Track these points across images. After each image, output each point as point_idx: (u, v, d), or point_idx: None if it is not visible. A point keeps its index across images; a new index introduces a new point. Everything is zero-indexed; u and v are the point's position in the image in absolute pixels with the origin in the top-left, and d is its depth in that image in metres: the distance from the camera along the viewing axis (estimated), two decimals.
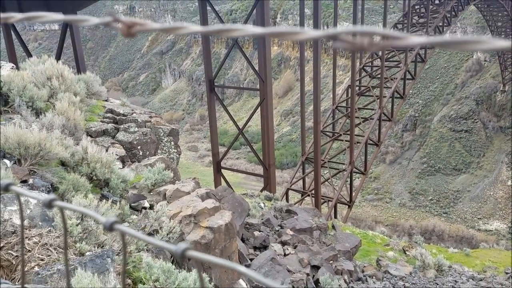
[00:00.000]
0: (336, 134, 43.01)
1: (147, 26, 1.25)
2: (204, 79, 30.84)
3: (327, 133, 43.22)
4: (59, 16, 1.27)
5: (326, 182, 41.84)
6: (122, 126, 13.50)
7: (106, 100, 15.46)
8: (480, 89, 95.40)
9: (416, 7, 53.98)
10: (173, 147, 14.85)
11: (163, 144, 14.56)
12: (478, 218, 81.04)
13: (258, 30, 1.14)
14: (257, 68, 27.93)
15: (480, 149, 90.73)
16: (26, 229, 5.77)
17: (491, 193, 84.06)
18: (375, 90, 45.61)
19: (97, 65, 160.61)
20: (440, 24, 53.20)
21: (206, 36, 30.98)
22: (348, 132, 39.44)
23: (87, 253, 5.76)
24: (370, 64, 48.57)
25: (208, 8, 29.01)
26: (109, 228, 1.17)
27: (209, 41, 30.93)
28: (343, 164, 43.43)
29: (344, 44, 1.05)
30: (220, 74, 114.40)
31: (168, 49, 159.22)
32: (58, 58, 19.92)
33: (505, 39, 0.95)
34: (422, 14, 53.51)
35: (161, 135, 14.53)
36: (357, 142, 41.71)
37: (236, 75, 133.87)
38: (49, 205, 1.23)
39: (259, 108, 27.82)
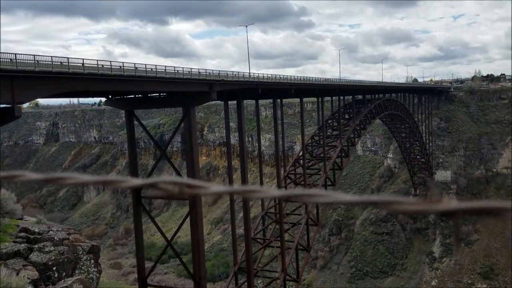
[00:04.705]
0: (267, 240, 43.18)
1: None
2: (130, 191, 30.53)
3: (258, 240, 43.26)
4: None
5: None
6: (36, 246, 12.80)
7: (20, 219, 14.87)
8: (394, 194, 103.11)
9: (329, 121, 59.89)
10: (93, 265, 14.14)
11: (81, 263, 13.82)
12: None
13: (37, 176, 1.46)
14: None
15: (402, 251, 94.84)
16: None
17: None
18: None
19: (13, 181, 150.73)
20: (352, 135, 59.04)
21: (132, 148, 31.46)
22: (279, 238, 39.87)
23: None
24: (294, 172, 51.37)
25: (136, 122, 30.03)
26: None
27: (135, 153, 31.37)
28: (276, 272, 42.96)
29: (160, 192, 1.35)
30: None
31: (92, 162, 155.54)
32: None
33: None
34: (335, 127, 59.27)
35: (80, 253, 13.87)
36: (288, 248, 42.03)
37: None
38: None
39: (188, 217, 27.73)
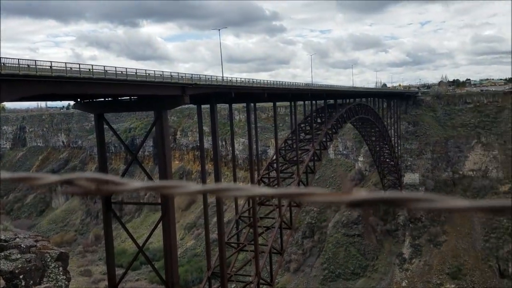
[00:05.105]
0: (241, 244, 43.07)
1: None
2: (100, 196, 29.87)
3: (232, 244, 43.10)
4: None
5: None
6: (2, 254, 12.43)
7: None
8: None
9: (302, 125, 60.48)
10: (61, 273, 13.76)
11: (50, 271, 13.44)
12: None
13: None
14: None
15: (373, 252, 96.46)
16: None
17: None
18: (274, 199, 47.86)
19: None
20: (324, 139, 59.77)
21: (102, 153, 30.80)
22: (253, 242, 39.86)
23: None
24: (268, 176, 51.52)
25: (106, 126, 29.47)
26: None
27: (105, 157, 30.75)
28: (250, 276, 42.89)
29: (76, 189, 1.32)
30: None
31: (60, 168, 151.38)
32: None
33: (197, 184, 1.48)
34: (307, 131, 59.89)
35: (48, 260, 13.49)
36: (262, 252, 42.05)
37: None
38: None
39: (161, 223, 27.36)
